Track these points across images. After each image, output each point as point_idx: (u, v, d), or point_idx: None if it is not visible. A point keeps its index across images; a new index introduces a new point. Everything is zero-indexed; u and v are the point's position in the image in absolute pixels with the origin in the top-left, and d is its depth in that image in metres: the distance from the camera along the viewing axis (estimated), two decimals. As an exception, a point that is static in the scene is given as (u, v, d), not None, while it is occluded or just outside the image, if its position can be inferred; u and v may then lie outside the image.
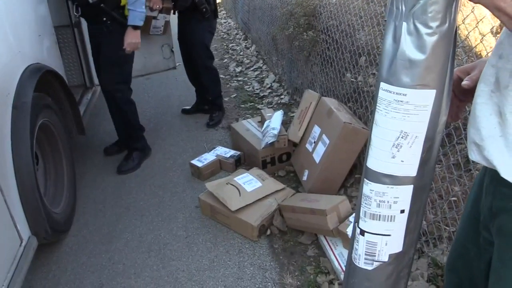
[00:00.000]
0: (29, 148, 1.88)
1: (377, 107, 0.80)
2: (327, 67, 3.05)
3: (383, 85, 0.78)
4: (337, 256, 2.02)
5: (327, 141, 2.43)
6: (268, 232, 2.35)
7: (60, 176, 2.49)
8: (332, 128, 2.42)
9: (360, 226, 0.90)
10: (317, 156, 2.51)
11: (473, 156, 0.85)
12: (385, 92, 0.78)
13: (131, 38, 2.68)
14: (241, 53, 5.74)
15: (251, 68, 5.08)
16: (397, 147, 0.80)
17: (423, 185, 0.87)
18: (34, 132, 2.05)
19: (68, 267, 2.23)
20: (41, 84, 2.16)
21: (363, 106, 2.53)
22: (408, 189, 0.83)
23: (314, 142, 2.59)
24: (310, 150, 2.61)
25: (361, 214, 0.89)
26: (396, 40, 0.74)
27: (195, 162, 2.92)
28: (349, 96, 2.73)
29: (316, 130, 2.61)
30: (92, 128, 3.61)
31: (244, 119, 3.55)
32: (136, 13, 2.63)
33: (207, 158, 2.96)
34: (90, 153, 3.32)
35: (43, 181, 2.39)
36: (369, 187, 0.86)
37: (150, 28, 3.41)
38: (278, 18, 4.00)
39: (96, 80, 3.43)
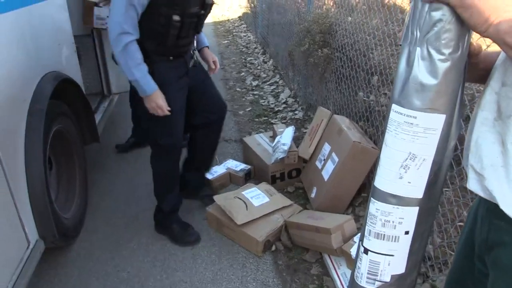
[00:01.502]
0: (41, 153, 1.93)
1: (387, 127, 0.82)
2: (341, 84, 3.06)
3: (394, 106, 0.80)
4: (340, 276, 2.00)
5: (336, 159, 2.43)
6: (273, 248, 2.34)
7: (72, 182, 2.54)
8: (342, 146, 2.41)
9: (364, 244, 0.91)
10: (326, 173, 2.50)
11: (472, 185, 0.85)
12: (396, 114, 0.80)
13: (148, 104, 2.08)
14: (259, 67, 5.79)
15: (268, 83, 5.11)
16: (405, 168, 0.81)
17: (429, 208, 0.87)
18: (48, 138, 2.10)
19: (75, 272, 2.26)
20: (58, 92, 2.23)
21: (374, 125, 2.52)
22: (414, 211, 0.84)
23: (324, 159, 2.59)
24: (320, 167, 2.60)
25: (366, 233, 0.90)
26: (410, 64, 0.77)
27: (206, 174, 2.94)
28: (361, 115, 2.72)
29: (326, 148, 2.60)
30: (107, 135, 3.68)
31: (257, 133, 3.57)
32: (135, 84, 2.02)
33: (217, 170, 2.98)
34: (104, 160, 3.38)
35: (56, 186, 2.44)
36: (375, 206, 0.87)
37: (93, 20, 3.04)
38: (295, 34, 4.03)
39: (113, 89, 3.51)
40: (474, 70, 0.86)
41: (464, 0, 0.68)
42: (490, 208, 0.82)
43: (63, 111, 2.36)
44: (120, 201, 2.87)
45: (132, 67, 1.95)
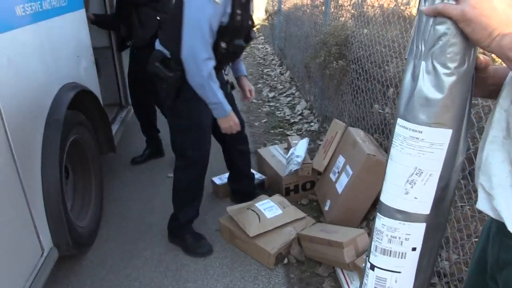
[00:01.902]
0: (57, 162, 1.96)
1: (393, 142, 0.81)
2: (356, 97, 3.04)
3: (399, 121, 0.79)
4: (353, 291, 1.97)
5: (350, 172, 2.40)
6: (285, 260, 2.32)
7: (88, 191, 2.58)
8: (356, 159, 2.39)
9: (370, 260, 0.89)
10: (340, 186, 2.47)
11: (481, 205, 0.83)
12: (401, 128, 0.78)
13: (225, 123, 2.19)
14: (275, 78, 5.81)
15: (284, 94, 5.12)
16: (410, 184, 0.79)
17: (437, 224, 0.85)
18: (65, 147, 2.14)
19: (88, 280, 2.28)
20: (76, 102, 2.27)
21: (389, 138, 2.49)
22: (421, 227, 0.82)
23: (338, 172, 2.56)
24: (334, 180, 2.58)
25: (372, 248, 0.88)
26: (415, 78, 0.76)
27: (215, 179, 2.98)
28: (376, 127, 2.69)
29: (341, 160, 2.58)
30: (123, 145, 3.73)
31: (272, 144, 3.57)
32: (213, 107, 2.10)
33: None
34: (120, 170, 3.42)
35: (72, 195, 2.48)
36: (381, 222, 0.85)
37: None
38: (312, 46, 4.04)
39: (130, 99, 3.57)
40: (484, 85, 0.85)
41: (465, 14, 0.66)
42: (500, 227, 0.79)
43: (81, 121, 2.41)
44: (134, 210, 2.89)
45: (216, 90, 2.04)
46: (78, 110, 2.37)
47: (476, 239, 1.78)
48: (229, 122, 2.17)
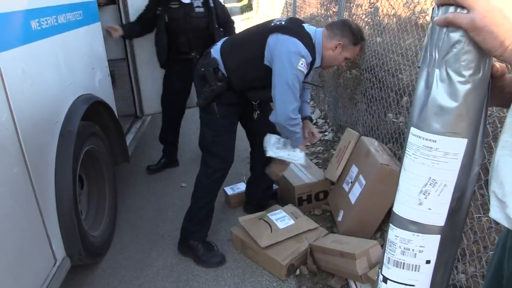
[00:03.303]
0: (70, 172, 1.99)
1: (406, 151, 0.79)
2: (370, 106, 3.01)
3: (413, 130, 0.77)
4: (365, 304, 1.93)
5: (364, 182, 2.37)
6: (298, 272, 2.29)
7: (102, 201, 2.61)
8: (369, 169, 2.36)
9: (383, 272, 0.87)
10: (353, 196, 2.44)
11: (494, 213, 0.80)
12: (415, 137, 0.76)
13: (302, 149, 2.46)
14: (290, 88, 5.79)
15: (299, 103, 5.10)
16: (424, 194, 0.77)
17: (452, 236, 0.83)
18: (79, 158, 2.17)
19: (100, 290, 2.29)
20: (90, 113, 2.31)
21: (403, 148, 2.45)
22: (435, 239, 0.80)
23: (351, 182, 2.53)
24: (347, 190, 2.55)
25: (385, 260, 0.86)
26: (428, 86, 0.74)
27: (227, 189, 2.99)
28: (390, 137, 2.66)
29: (354, 170, 2.55)
30: (138, 155, 3.77)
31: (285, 154, 3.55)
32: (293, 139, 2.38)
33: (240, 187, 3.02)
34: (133, 179, 3.46)
35: (86, 204, 2.52)
36: (394, 233, 0.83)
37: None
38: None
39: (145, 110, 3.62)
40: (500, 94, 0.82)
41: (475, 23, 0.64)
42: None
43: (95, 131, 2.45)
44: (148, 220, 2.91)
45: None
46: (93, 121, 2.41)
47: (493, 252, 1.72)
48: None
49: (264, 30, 2.17)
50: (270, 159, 2.55)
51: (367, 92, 3.05)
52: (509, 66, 1.15)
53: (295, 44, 2.06)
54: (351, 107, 3.48)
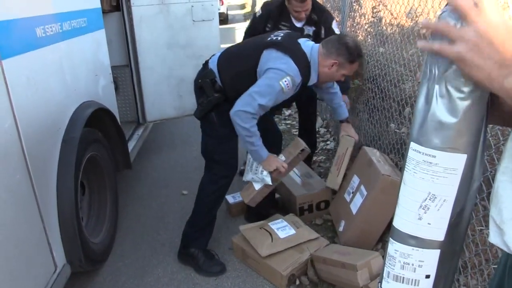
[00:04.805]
0: (72, 179, 2.00)
1: (406, 166, 0.79)
2: (372, 116, 3.01)
3: (412, 144, 0.77)
4: (366, 316, 1.91)
5: (365, 193, 2.36)
6: (297, 282, 2.28)
7: (103, 208, 2.61)
8: (371, 179, 2.35)
9: (383, 286, 0.87)
10: (354, 207, 2.43)
11: (493, 239, 0.80)
12: (415, 152, 0.77)
13: (269, 167, 2.29)
14: (293, 96, 5.81)
15: (301, 112, 5.11)
16: (424, 209, 0.77)
17: (452, 251, 0.82)
18: (81, 164, 2.17)
19: (100, 297, 2.28)
20: (93, 120, 2.32)
21: (404, 160, 2.45)
22: (435, 254, 0.80)
23: (352, 192, 2.53)
24: (348, 200, 2.54)
25: (385, 274, 0.86)
26: (428, 101, 0.74)
27: (228, 197, 2.97)
28: (392, 147, 2.66)
29: (355, 180, 2.55)
30: (140, 161, 3.77)
31: (287, 162, 3.54)
32: (250, 151, 2.27)
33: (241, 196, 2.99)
34: (135, 186, 3.45)
35: (87, 211, 2.51)
36: (393, 247, 0.83)
37: None
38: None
39: (148, 117, 3.62)
40: (500, 112, 0.82)
41: (461, 55, 0.63)
42: None
43: (97, 138, 2.45)
44: (149, 227, 2.90)
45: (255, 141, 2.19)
46: (95, 127, 2.42)
47: (495, 266, 1.72)
48: (271, 165, 2.27)
49: (260, 44, 2.19)
50: None
51: (369, 102, 3.06)
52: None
53: (287, 63, 2.07)
54: (353, 117, 3.48)
